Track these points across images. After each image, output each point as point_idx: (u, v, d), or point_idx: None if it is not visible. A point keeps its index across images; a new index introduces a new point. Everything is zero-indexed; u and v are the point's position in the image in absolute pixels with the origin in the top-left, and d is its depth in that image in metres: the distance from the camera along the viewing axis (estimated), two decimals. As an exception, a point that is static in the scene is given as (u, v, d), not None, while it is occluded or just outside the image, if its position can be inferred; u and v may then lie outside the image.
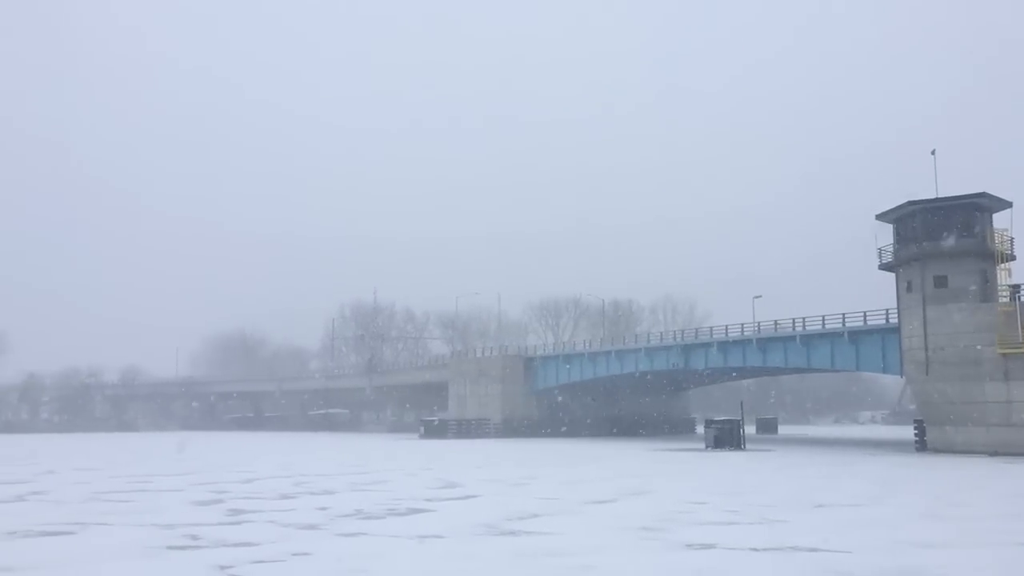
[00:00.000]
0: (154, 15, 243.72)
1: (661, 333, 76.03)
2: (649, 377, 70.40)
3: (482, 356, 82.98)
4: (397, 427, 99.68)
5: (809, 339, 54.11)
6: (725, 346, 61.25)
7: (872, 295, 56.01)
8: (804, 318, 54.67)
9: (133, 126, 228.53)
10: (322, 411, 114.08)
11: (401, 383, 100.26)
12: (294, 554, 11.98)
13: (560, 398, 77.02)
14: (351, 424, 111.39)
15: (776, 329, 57.23)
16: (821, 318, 53.20)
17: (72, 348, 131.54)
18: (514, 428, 73.87)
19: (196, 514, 16.96)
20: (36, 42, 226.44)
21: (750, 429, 58.84)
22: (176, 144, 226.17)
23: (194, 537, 13.64)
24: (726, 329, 61.98)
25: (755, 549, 12.45)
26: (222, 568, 10.89)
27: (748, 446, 48.66)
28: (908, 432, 50.90)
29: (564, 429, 73.73)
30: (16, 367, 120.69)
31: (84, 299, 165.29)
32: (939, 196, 43.17)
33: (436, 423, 75.47)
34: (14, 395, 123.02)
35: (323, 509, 17.69)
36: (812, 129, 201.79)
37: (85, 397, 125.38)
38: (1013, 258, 42.74)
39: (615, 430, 75.94)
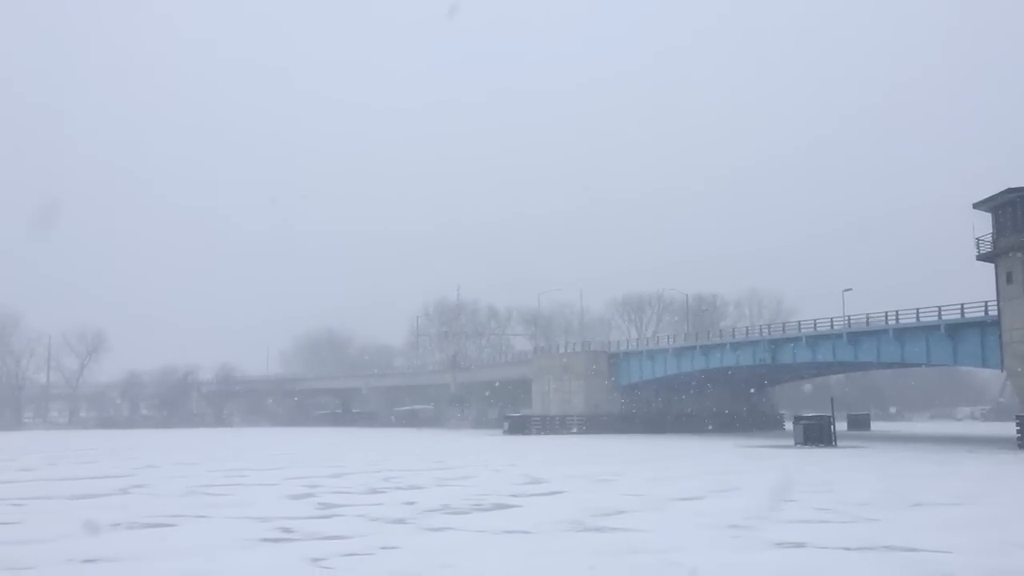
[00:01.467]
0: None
1: (747, 328, 74.80)
2: (735, 373, 69.32)
3: (565, 352, 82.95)
4: (481, 423, 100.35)
5: (903, 333, 52.43)
6: (814, 340, 59.86)
7: (969, 287, 53.97)
8: (897, 311, 53.06)
9: (202, 139, 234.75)
10: (407, 407, 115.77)
11: (484, 379, 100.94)
12: (383, 548, 12.21)
13: (644, 394, 76.47)
14: (436, 420, 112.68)
15: (868, 323, 55.64)
16: (915, 311, 51.54)
17: (170, 347, 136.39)
18: (598, 424, 73.62)
19: (289, 508, 17.41)
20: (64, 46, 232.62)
21: (841, 426, 57.31)
22: (253, 155, 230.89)
23: (287, 530, 14.01)
24: (815, 323, 60.59)
25: (848, 548, 12.15)
26: (314, 560, 11.18)
27: (839, 443, 47.44)
28: (1010, 429, 48.85)
29: (648, 425, 73.19)
30: (117, 366, 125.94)
31: (181, 300, 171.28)
32: (1041, 183, 41.32)
33: (520, 419, 75.71)
34: (115, 392, 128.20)
35: (410, 504, 17.96)
36: (908, 120, 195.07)
37: (182, 394, 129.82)
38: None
39: (700, 426, 74.98)
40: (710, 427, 74.86)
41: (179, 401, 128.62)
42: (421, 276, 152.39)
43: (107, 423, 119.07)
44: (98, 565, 10.95)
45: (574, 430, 73.20)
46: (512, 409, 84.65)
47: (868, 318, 55.77)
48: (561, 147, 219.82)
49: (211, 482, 24.04)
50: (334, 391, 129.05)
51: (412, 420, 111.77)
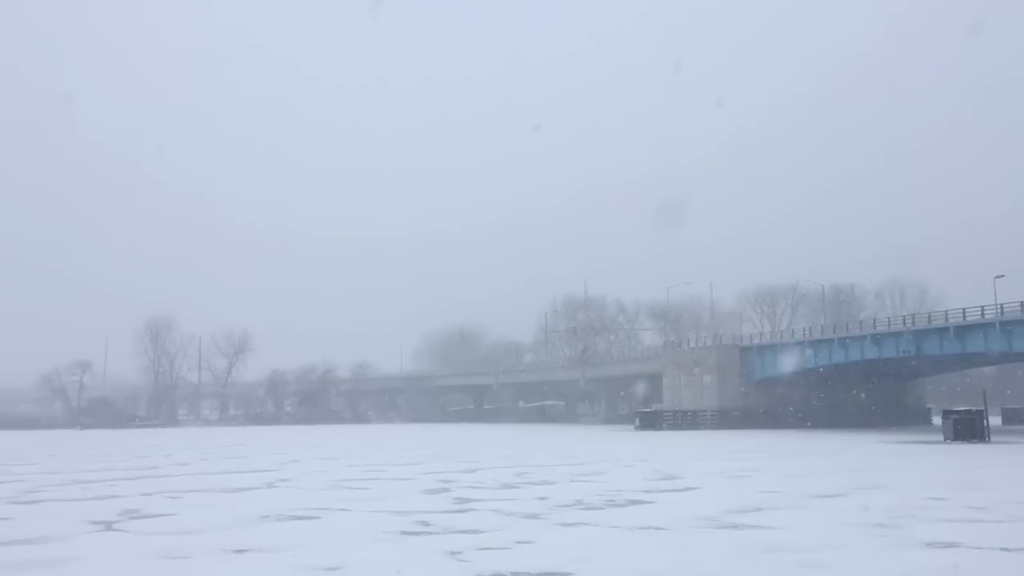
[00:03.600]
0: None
1: (889, 318, 71.62)
2: (877, 366, 66.52)
3: (696, 346, 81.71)
4: (611, 419, 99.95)
5: (1064, 320, 49.13)
6: (963, 331, 56.75)
7: None
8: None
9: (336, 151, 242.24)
10: (538, 403, 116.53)
11: (614, 375, 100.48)
12: (518, 542, 12.32)
13: (779, 389, 74.35)
14: (566, 416, 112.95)
15: (1023, 311, 52.33)
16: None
17: (309, 347, 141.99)
18: (731, 419, 72.11)
19: (426, 502, 17.82)
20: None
21: (995, 420, 54.15)
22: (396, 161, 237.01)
23: (425, 523, 14.34)
24: (963, 312, 57.46)
25: (1006, 549, 11.46)
26: (452, 554, 11.39)
27: (993, 438, 44.81)
28: None
29: (783, 421, 71.10)
30: (262, 365, 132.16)
31: (319, 301, 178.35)
32: None
33: (651, 415, 75.00)
34: (261, 390, 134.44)
35: (543, 499, 18.05)
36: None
37: (322, 391, 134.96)
38: None
39: (839, 422, 72.26)
40: (851, 422, 72.04)
41: (319, 398, 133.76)
42: (549, 271, 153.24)
43: (254, 419, 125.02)
44: (248, 555, 11.49)
45: (706, 426, 71.94)
46: (642, 404, 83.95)
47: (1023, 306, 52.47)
48: (703, 144, 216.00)
49: (351, 476, 24.84)
50: (465, 387, 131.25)
51: (542, 416, 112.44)
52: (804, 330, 77.75)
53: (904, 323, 64.30)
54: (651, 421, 73.33)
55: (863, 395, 75.73)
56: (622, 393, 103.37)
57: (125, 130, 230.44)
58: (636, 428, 73.06)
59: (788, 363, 71.53)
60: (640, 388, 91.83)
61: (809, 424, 70.57)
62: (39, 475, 27.11)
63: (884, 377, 73.43)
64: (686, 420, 73.27)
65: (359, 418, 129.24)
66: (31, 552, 11.82)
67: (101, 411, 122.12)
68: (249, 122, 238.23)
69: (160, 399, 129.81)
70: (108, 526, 14.47)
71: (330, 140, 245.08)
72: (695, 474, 25.14)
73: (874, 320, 73.77)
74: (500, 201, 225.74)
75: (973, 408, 47.61)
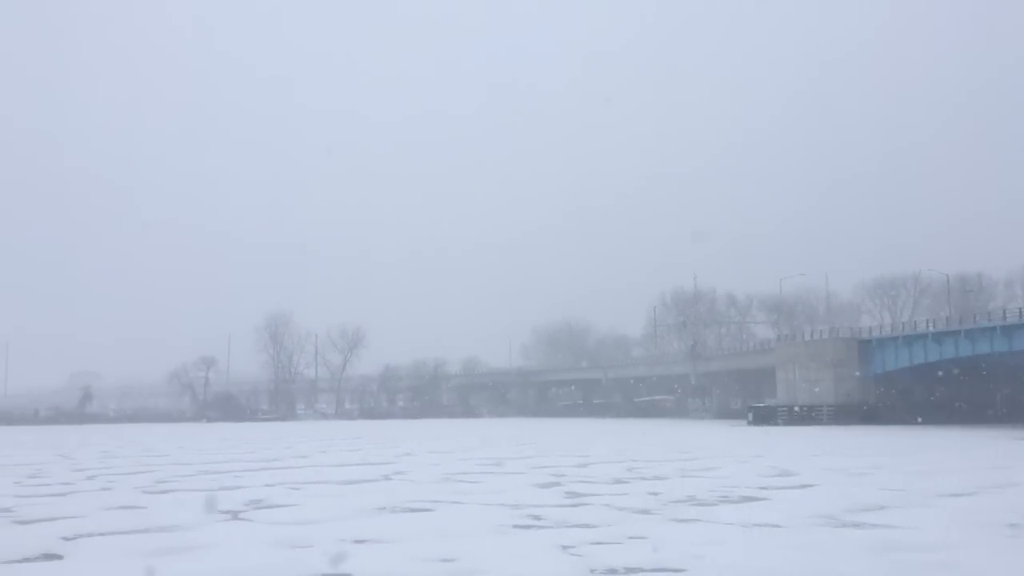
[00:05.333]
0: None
1: (1020, 309, 67.75)
2: (1007, 359, 63.12)
3: (811, 339, 79.31)
4: (723, 413, 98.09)
5: None
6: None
7: None
8: None
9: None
10: (648, 398, 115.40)
11: (725, 369, 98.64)
12: (630, 537, 12.27)
13: (900, 383, 71.45)
14: (676, 411, 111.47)
15: None
16: None
17: (421, 342, 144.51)
18: (849, 414, 69.72)
19: (538, 496, 17.92)
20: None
21: None
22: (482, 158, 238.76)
23: (537, 517, 14.43)
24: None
25: None
26: (564, 548, 11.44)
27: None
28: None
29: (905, 416, 68.19)
30: (375, 360, 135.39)
31: (431, 297, 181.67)
32: None
33: (764, 409, 73.34)
34: (374, 384, 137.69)
35: (655, 494, 17.91)
36: None
37: (433, 386, 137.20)
38: None
39: (965, 417, 68.86)
40: (978, 419, 68.59)
41: (430, 393, 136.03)
42: (657, 265, 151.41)
43: (368, 414, 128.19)
44: (367, 545, 11.81)
45: (823, 421, 69.81)
46: (755, 399, 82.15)
47: None
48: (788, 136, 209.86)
49: (463, 470, 25.19)
50: (574, 382, 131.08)
51: (652, 410, 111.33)
52: (927, 322, 74.33)
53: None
54: (765, 416, 71.66)
55: (992, 390, 72.01)
56: (733, 387, 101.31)
57: (256, 135, 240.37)
58: (749, 423, 71.54)
59: (910, 356, 68.70)
60: (753, 382, 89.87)
61: (933, 420, 67.47)
62: (170, 466, 28.51)
63: (1016, 371, 69.60)
64: (801, 415, 71.24)
65: (469, 413, 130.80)
66: (165, 539, 12.46)
67: (225, 405, 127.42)
68: (356, 121, 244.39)
69: (279, 394, 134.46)
70: (235, 515, 15.12)
71: (437, 141, 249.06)
72: (812, 471, 24.45)
73: (1004, 311, 70.00)
74: (607, 194, 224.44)
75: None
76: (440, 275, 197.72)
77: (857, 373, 72.72)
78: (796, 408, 72.71)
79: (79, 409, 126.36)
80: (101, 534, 12.94)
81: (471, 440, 47.69)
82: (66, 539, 12.43)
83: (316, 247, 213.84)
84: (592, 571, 10.07)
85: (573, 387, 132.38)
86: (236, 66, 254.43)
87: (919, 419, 66.28)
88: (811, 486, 20.06)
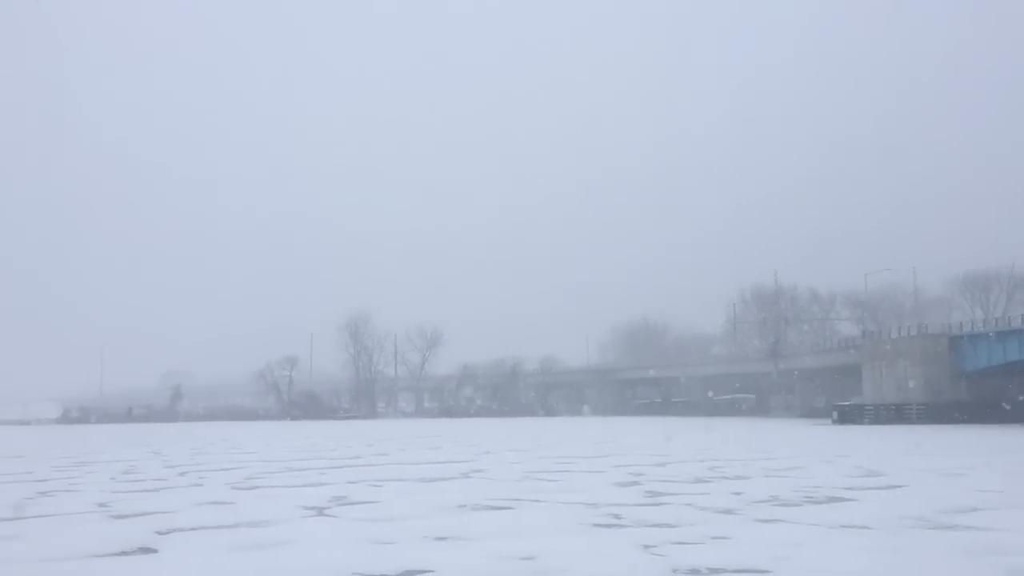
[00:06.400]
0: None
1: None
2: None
3: (898, 336, 77.12)
4: (806, 412, 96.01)
5: None
6: None
7: None
8: None
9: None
10: (728, 396, 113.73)
11: (808, 367, 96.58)
12: (713, 537, 12.09)
13: (995, 380, 68.89)
14: (757, 409, 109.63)
15: None
16: None
17: (498, 341, 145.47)
18: (939, 414, 67.47)
19: (617, 495, 17.80)
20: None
21: None
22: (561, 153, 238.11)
23: (617, 516, 14.34)
24: None
25: None
26: (646, 547, 11.34)
27: None
28: None
29: (999, 415, 65.63)
30: (453, 359, 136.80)
31: (509, 296, 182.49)
32: None
33: (850, 408, 71.56)
34: (453, 383, 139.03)
35: (737, 494, 17.61)
36: None
37: (511, 385, 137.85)
38: None
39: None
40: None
41: (508, 391, 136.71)
42: (735, 261, 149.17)
43: (447, 412, 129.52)
44: (449, 542, 11.91)
45: (911, 420, 67.75)
46: (840, 397, 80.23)
47: None
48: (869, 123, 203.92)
49: (542, 468, 25.19)
50: (652, 380, 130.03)
51: (733, 409, 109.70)
52: (1022, 317, 71.47)
53: None
54: (850, 415, 69.92)
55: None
56: (818, 386, 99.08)
57: (341, 136, 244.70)
58: (834, 422, 69.88)
59: (1005, 353, 66.18)
60: (837, 380, 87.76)
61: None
62: (257, 463, 29.23)
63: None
64: (889, 414, 69.22)
65: (547, 411, 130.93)
66: (253, 534, 12.78)
67: (308, 404, 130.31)
68: (438, 122, 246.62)
69: (360, 392, 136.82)
70: (319, 512, 15.41)
71: (515, 141, 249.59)
72: (901, 471, 23.72)
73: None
74: (687, 192, 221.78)
75: None
76: (517, 274, 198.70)
77: (948, 371, 70.39)
78: (883, 407, 70.68)
79: (170, 407, 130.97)
80: (193, 529, 13.35)
81: (549, 438, 47.69)
82: (160, 533, 12.86)
83: (395, 247, 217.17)
84: (674, 571, 9.96)
85: (651, 386, 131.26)
86: (321, 66, 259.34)
87: (1013, 418, 63.68)
88: (901, 487, 19.47)
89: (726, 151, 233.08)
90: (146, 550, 11.64)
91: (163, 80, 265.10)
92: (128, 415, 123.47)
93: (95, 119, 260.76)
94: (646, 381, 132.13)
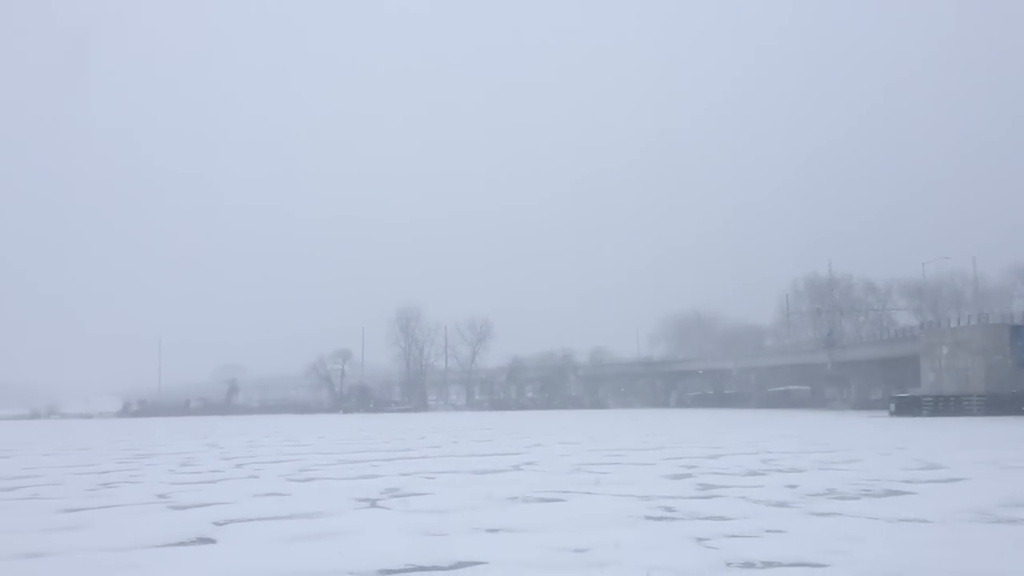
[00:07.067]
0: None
1: None
2: None
3: (957, 326, 75.41)
4: (862, 404, 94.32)
5: None
6: None
7: None
8: None
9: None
10: (781, 388, 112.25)
11: (864, 358, 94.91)
12: (767, 531, 11.96)
13: (1058, 370, 66.97)
14: (812, 401, 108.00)
15: None
16: None
17: (547, 333, 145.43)
18: (1000, 405, 65.73)
19: (669, 487, 17.71)
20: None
21: None
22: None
23: (669, 509, 14.26)
24: None
25: None
26: (699, 540, 11.26)
27: None
28: None
29: None
30: (503, 351, 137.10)
31: (558, 288, 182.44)
32: None
33: (908, 399, 70.09)
34: (503, 375, 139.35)
35: (792, 487, 17.40)
36: None
37: (561, 377, 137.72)
38: None
39: None
40: None
41: (557, 384, 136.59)
42: (787, 251, 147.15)
43: (497, 405, 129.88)
44: (500, 535, 11.97)
45: (972, 412, 66.17)
46: (897, 389, 78.72)
47: None
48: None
49: (592, 461, 25.16)
50: (704, 372, 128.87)
51: (786, 401, 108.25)
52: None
53: None
54: (908, 406, 68.49)
55: None
56: (874, 377, 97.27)
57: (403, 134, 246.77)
58: (891, 414, 68.55)
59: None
60: (894, 371, 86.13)
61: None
62: (311, 455, 29.68)
63: None
64: (948, 405, 67.66)
65: (597, 403, 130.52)
66: (308, 525, 12.98)
67: (361, 397, 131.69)
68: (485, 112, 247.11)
69: (411, 385, 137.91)
70: (373, 503, 15.60)
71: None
72: (961, 464, 23.18)
73: None
74: (737, 182, 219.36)
75: None
76: (566, 265, 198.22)
77: (1010, 361, 68.62)
78: (942, 398, 69.19)
79: (226, 401, 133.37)
80: (249, 520, 13.60)
81: (599, 431, 47.58)
82: (217, 524, 13.13)
83: (444, 240, 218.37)
84: (728, 564, 9.87)
85: (702, 377, 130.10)
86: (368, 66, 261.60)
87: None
88: (961, 480, 19.05)
89: (777, 138, 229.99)
90: (204, 540, 11.90)
91: (223, 85, 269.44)
92: (186, 408, 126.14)
93: (156, 121, 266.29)
94: (698, 373, 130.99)
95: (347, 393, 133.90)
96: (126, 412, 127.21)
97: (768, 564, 9.82)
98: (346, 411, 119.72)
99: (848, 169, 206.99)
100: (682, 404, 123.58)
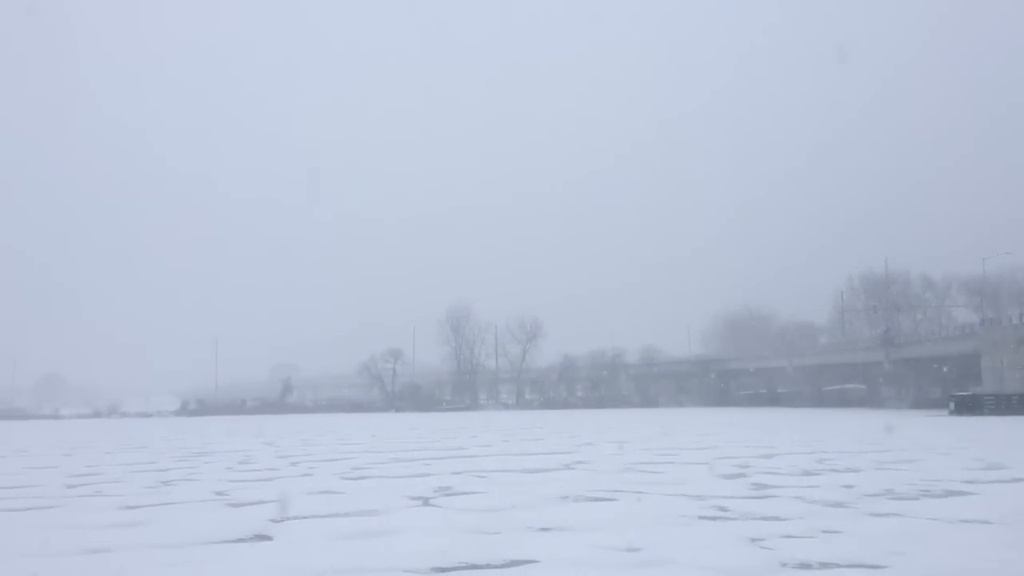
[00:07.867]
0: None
1: None
2: None
3: (1020, 323, 73.36)
4: (920, 403, 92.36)
5: None
6: None
7: None
8: None
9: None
10: (836, 387, 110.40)
11: (922, 355, 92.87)
12: (823, 531, 11.80)
13: None
14: (868, 400, 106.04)
15: None
16: None
17: (598, 332, 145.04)
18: (1067, 404, 63.94)
19: (722, 487, 17.54)
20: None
21: None
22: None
23: (723, 509, 14.13)
24: None
25: None
26: (753, 540, 11.14)
27: None
28: None
29: None
30: (553, 350, 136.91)
31: (608, 286, 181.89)
32: None
33: (968, 398, 68.42)
34: (553, 375, 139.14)
35: (848, 487, 17.12)
36: None
37: (612, 376, 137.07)
38: None
39: None
40: None
41: (608, 383, 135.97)
42: (843, 248, 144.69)
43: (548, 404, 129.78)
44: (552, 533, 11.97)
45: (1037, 410, 64.40)
46: (957, 387, 76.91)
47: None
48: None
49: (644, 460, 25.01)
50: (757, 371, 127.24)
51: (842, 400, 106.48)
52: None
53: None
54: (969, 405, 66.88)
55: None
56: (933, 375, 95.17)
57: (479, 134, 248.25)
58: (951, 413, 67.05)
59: None
60: (953, 369, 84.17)
61: None
62: (364, 454, 29.97)
63: None
64: (1011, 404, 65.93)
65: (648, 402, 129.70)
66: (362, 523, 13.13)
67: (412, 396, 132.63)
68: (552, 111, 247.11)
69: (462, 384, 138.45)
70: (425, 502, 15.71)
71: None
72: (1025, 464, 22.60)
73: None
74: (793, 177, 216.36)
75: None
76: (617, 264, 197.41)
77: (1075, 358, 66.67)
78: (1004, 397, 67.42)
79: (281, 400, 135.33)
80: (304, 517, 13.80)
81: (651, 430, 47.26)
82: (274, 521, 13.35)
83: (494, 239, 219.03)
84: (783, 565, 9.75)
85: (755, 376, 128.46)
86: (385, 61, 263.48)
87: None
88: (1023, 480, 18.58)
89: (828, 129, 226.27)
90: (261, 537, 12.10)
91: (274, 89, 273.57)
92: (242, 407, 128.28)
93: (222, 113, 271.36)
94: (750, 372, 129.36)
95: (399, 392, 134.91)
96: (184, 411, 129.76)
97: (824, 565, 9.68)
98: (398, 410, 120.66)
99: (909, 163, 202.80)
100: (735, 403, 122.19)
